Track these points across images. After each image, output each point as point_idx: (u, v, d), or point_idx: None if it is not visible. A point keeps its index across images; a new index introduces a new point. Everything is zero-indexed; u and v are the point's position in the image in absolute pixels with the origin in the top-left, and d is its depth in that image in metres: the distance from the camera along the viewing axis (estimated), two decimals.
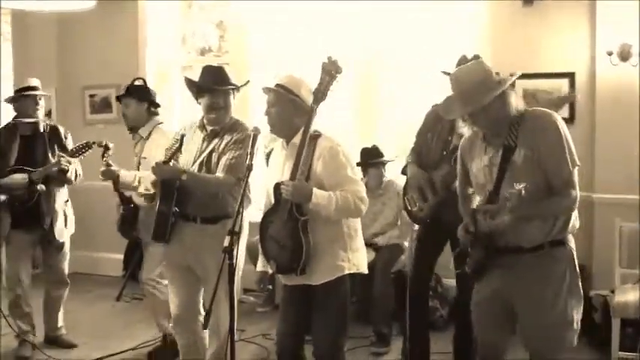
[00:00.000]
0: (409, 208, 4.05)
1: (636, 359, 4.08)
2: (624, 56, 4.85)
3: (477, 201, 3.10)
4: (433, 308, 5.10)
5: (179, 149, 3.58)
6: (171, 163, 3.51)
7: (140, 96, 4.40)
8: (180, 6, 6.91)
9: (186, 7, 6.99)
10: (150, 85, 6.35)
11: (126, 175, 4.08)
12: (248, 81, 3.81)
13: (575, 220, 2.88)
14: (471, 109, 2.80)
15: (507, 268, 2.88)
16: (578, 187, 2.79)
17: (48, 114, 6.92)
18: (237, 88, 3.61)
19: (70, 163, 4.29)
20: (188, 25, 7.00)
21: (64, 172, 4.32)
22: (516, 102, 2.84)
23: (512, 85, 2.85)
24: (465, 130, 3.86)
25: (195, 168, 3.54)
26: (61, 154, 4.32)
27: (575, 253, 2.90)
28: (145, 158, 4.22)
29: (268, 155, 4.82)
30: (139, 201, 4.11)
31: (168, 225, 3.53)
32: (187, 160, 3.59)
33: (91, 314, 5.49)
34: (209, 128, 3.59)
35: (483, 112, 2.78)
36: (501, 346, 3.08)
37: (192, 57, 6.92)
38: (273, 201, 3.14)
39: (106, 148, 4.10)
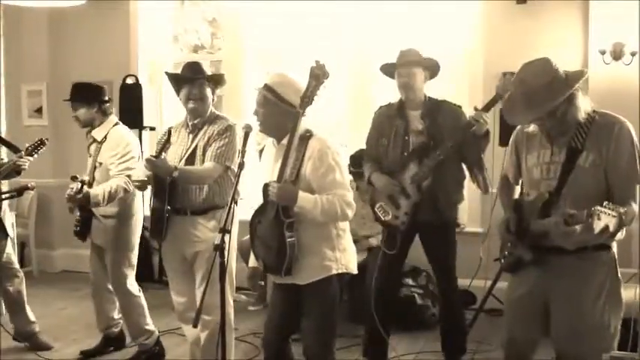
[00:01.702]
0: (382, 218, 3.95)
1: (627, 358, 4.09)
2: (617, 55, 4.86)
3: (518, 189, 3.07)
4: (424, 307, 5.10)
5: (168, 141, 3.69)
6: (162, 156, 3.55)
7: (88, 98, 4.27)
8: (172, 3, 6.88)
9: (179, 3, 6.96)
10: (142, 81, 6.38)
11: (96, 194, 3.98)
12: (222, 74, 3.94)
13: (623, 230, 2.79)
14: (536, 114, 2.70)
15: (547, 268, 2.82)
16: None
17: (38, 110, 6.90)
18: (210, 80, 3.71)
19: (27, 161, 4.23)
20: (180, 22, 6.97)
21: (19, 172, 4.27)
22: (585, 102, 2.73)
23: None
24: (419, 125, 3.87)
25: (181, 164, 3.63)
26: (22, 154, 4.23)
27: (617, 259, 2.84)
28: (101, 164, 4.18)
29: (261, 152, 4.82)
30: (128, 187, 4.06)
31: (164, 221, 3.60)
32: (174, 159, 3.67)
33: (81, 311, 5.45)
34: (191, 123, 3.71)
35: (549, 115, 2.68)
36: (531, 346, 3.02)
37: (185, 54, 6.88)
38: None
39: (43, 143, 4.22)
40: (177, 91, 3.73)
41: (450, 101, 4.03)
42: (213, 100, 3.76)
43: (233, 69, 6.28)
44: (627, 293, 4.09)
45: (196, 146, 3.66)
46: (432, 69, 3.96)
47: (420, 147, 3.82)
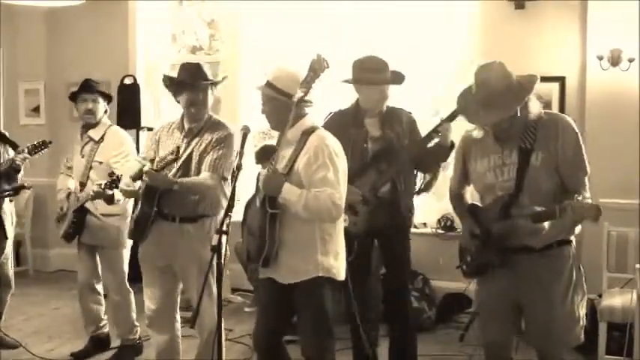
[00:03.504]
0: None
1: None
2: (614, 61, 4.87)
3: (478, 200, 3.11)
4: (421, 310, 5.10)
5: (174, 161, 3.53)
6: (164, 172, 3.49)
7: (104, 94, 4.35)
8: (170, 3, 6.87)
9: (177, 4, 6.95)
10: (140, 82, 6.37)
11: (118, 192, 3.93)
12: (226, 76, 3.83)
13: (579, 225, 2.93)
14: (499, 116, 2.77)
15: (515, 269, 2.89)
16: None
17: (35, 109, 6.88)
18: (214, 84, 3.63)
19: (25, 160, 4.19)
20: (179, 22, 6.96)
21: (17, 170, 4.23)
22: (536, 105, 2.85)
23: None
24: (377, 133, 3.84)
25: (174, 169, 3.50)
26: (20, 150, 4.21)
27: (575, 252, 2.97)
28: (101, 163, 4.17)
29: (257, 153, 4.82)
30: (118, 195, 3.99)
31: (148, 225, 3.52)
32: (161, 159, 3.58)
33: (77, 311, 5.43)
34: (187, 127, 3.60)
35: (508, 117, 2.78)
36: (509, 346, 3.10)
37: (183, 55, 6.87)
38: None
39: (45, 145, 4.19)
40: (175, 94, 3.61)
41: (403, 109, 4.00)
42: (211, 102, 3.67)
43: (231, 71, 6.27)
44: (623, 299, 4.13)
45: (192, 153, 3.53)
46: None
47: (378, 154, 3.80)
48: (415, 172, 3.96)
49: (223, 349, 3.67)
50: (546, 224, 2.70)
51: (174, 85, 3.60)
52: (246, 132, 3.08)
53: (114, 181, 3.81)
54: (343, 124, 3.81)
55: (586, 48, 5.08)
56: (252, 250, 3.07)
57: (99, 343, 4.51)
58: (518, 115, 2.78)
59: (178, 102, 3.63)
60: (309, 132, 3.01)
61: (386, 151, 3.80)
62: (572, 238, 2.94)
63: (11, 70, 6.96)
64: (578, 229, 2.95)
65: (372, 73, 3.82)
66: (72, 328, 5.03)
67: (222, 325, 3.64)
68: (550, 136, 2.81)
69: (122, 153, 4.15)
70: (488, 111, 2.78)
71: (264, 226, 2.94)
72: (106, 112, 4.36)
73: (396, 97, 4.01)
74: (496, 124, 2.83)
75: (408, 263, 4.09)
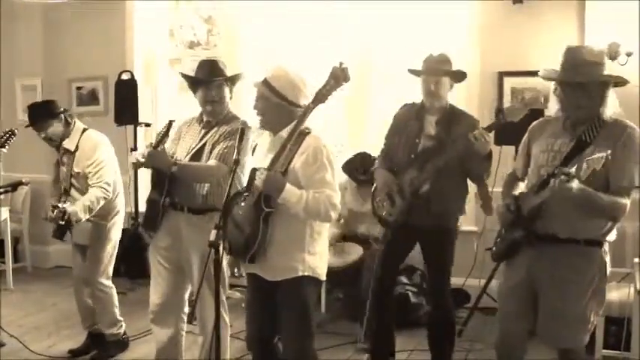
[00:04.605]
0: (378, 212, 3.95)
1: (620, 357, 4.11)
2: (612, 55, 4.86)
3: (522, 185, 3.16)
4: (418, 305, 5.11)
5: (166, 134, 3.53)
6: (160, 148, 3.48)
7: (52, 114, 4.24)
8: (168, 3, 6.83)
9: (175, 4, 6.91)
10: (137, 77, 6.36)
11: (76, 212, 3.98)
12: (240, 73, 3.81)
13: (614, 231, 2.96)
14: (580, 79, 2.83)
15: (539, 256, 2.92)
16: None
17: None
18: (228, 80, 3.64)
19: None
20: (176, 18, 6.94)
21: None
22: (613, 104, 2.88)
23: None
24: (432, 130, 3.82)
25: (187, 158, 3.54)
26: None
27: (608, 260, 2.97)
28: (78, 173, 4.17)
29: (254, 149, 4.83)
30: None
31: (159, 214, 3.55)
32: (182, 153, 3.61)
33: (75, 307, 5.44)
34: (205, 120, 3.64)
35: (586, 91, 2.83)
36: (523, 339, 3.10)
37: (181, 50, 6.87)
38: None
39: (13, 134, 4.24)
40: (194, 92, 3.64)
41: (471, 114, 3.96)
42: (230, 98, 3.68)
43: (229, 66, 6.20)
44: (621, 293, 4.13)
45: (205, 143, 3.56)
46: (458, 77, 3.92)
47: (426, 152, 3.77)
48: (467, 180, 3.89)
49: (228, 345, 3.70)
50: (575, 185, 2.60)
51: (189, 82, 3.64)
52: (244, 127, 3.08)
53: (60, 212, 3.92)
54: (407, 116, 3.92)
55: (584, 42, 5.06)
56: (236, 245, 3.05)
57: (96, 339, 4.51)
58: (595, 98, 2.83)
59: (198, 101, 3.66)
60: (304, 133, 3.01)
61: (433, 150, 3.75)
62: (606, 245, 2.95)
63: (8, 66, 6.95)
64: (613, 235, 2.96)
65: (429, 65, 3.85)
66: (71, 324, 5.03)
67: (227, 321, 3.68)
68: (613, 136, 2.83)
69: (95, 161, 4.14)
70: (569, 72, 2.87)
71: (258, 223, 2.94)
72: (66, 122, 4.27)
73: (396, 97, 4.00)
74: (572, 92, 2.86)
75: (443, 267, 3.96)
